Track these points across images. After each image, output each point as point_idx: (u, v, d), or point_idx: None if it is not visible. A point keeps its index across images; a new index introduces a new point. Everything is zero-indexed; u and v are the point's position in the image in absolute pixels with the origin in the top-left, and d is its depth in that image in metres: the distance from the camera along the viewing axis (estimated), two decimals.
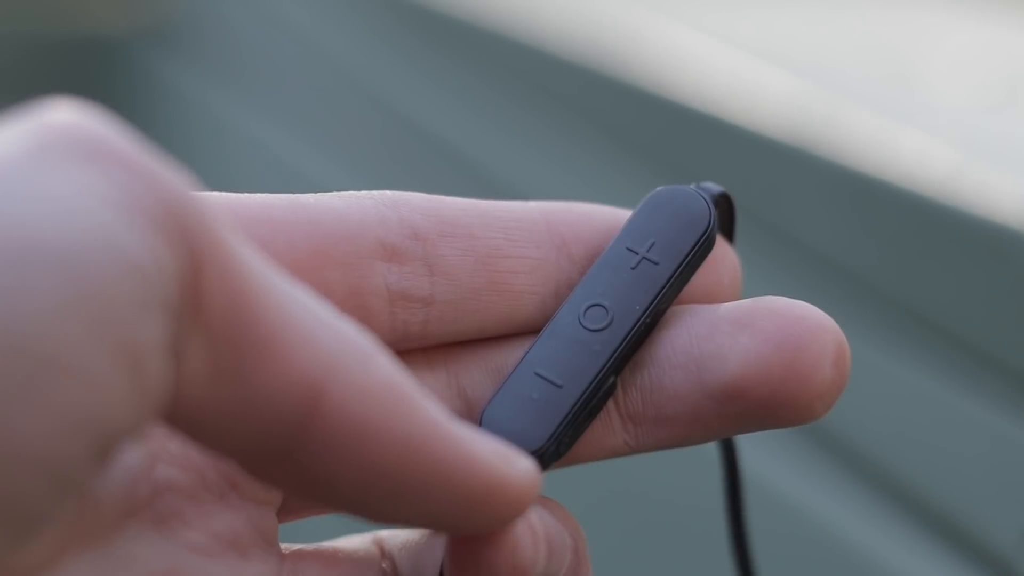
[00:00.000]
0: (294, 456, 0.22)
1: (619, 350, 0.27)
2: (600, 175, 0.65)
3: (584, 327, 0.27)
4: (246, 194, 0.27)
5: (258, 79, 0.98)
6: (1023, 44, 0.73)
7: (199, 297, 0.21)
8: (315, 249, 0.26)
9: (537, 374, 0.27)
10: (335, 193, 0.27)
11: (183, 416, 0.21)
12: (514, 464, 0.23)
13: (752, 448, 0.54)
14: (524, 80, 0.72)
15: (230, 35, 1.02)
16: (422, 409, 0.22)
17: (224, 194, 0.26)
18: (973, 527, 0.47)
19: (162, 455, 0.25)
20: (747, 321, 0.26)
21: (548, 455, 0.26)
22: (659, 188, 0.29)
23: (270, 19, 0.98)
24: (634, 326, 0.27)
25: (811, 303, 0.27)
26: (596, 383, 0.27)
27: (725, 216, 0.29)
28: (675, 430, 0.27)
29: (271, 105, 0.95)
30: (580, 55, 0.67)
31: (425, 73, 0.81)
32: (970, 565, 0.47)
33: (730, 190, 0.30)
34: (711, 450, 0.33)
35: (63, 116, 0.21)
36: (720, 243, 0.29)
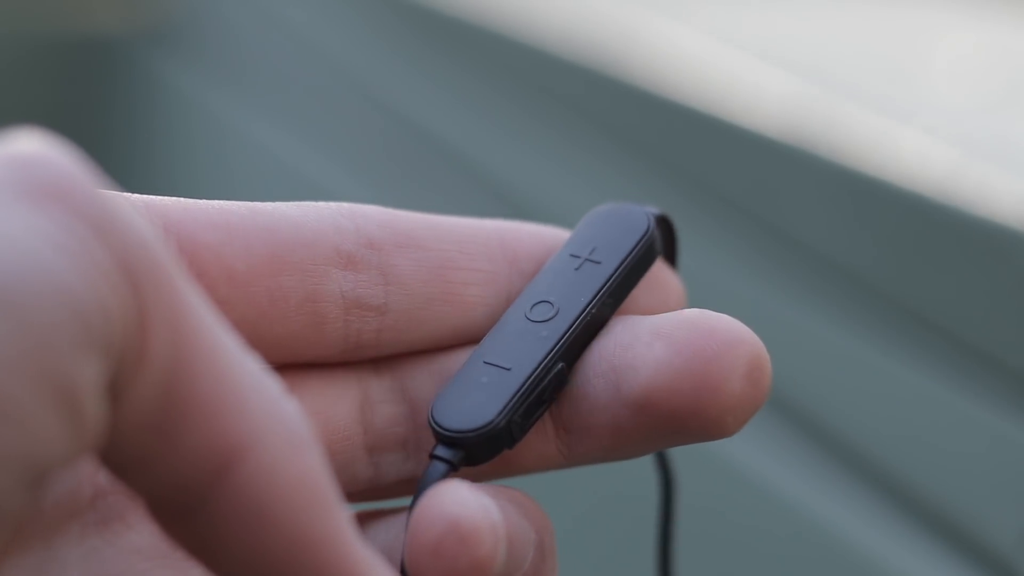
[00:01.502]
0: (196, 517, 0.22)
1: (566, 335, 0.27)
2: (600, 175, 0.65)
3: (531, 320, 0.28)
4: (205, 200, 0.27)
5: (258, 79, 0.98)
6: (1023, 44, 0.73)
7: (144, 346, 0.21)
8: (271, 255, 0.26)
9: (486, 362, 0.27)
10: (293, 203, 0.28)
11: (106, 449, 0.21)
12: None
13: (751, 447, 0.54)
14: (524, 80, 0.72)
15: (230, 35, 1.02)
16: (332, 516, 0.22)
17: (182, 200, 0.27)
18: (973, 527, 0.47)
19: (82, 461, 0.25)
20: (664, 331, 0.26)
21: (499, 432, 0.27)
22: (599, 206, 0.30)
23: (270, 19, 0.98)
24: (580, 315, 0.28)
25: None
26: (544, 365, 0.27)
27: (667, 240, 0.30)
28: (600, 441, 0.27)
29: (271, 105, 0.95)
30: (580, 55, 0.67)
31: (425, 73, 0.81)
32: (970, 565, 0.47)
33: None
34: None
35: (28, 151, 0.21)
36: (664, 268, 0.30)
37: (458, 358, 0.28)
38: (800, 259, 0.54)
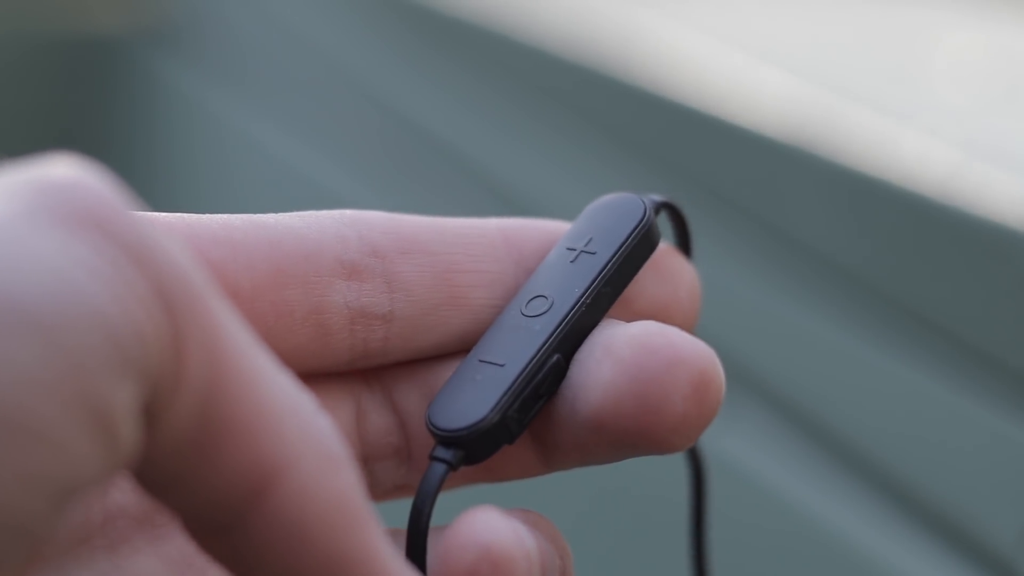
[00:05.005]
0: (233, 534, 0.22)
1: (559, 328, 0.27)
2: (600, 175, 0.65)
3: (525, 315, 0.28)
4: (207, 215, 0.27)
5: (258, 79, 0.98)
6: (1023, 44, 0.73)
7: (180, 370, 0.21)
8: (274, 269, 0.26)
9: (480, 360, 0.27)
10: (295, 213, 0.28)
11: (141, 469, 0.22)
12: None
13: (751, 446, 0.54)
14: (524, 80, 0.72)
15: (230, 35, 1.02)
16: (368, 534, 0.22)
17: (183, 216, 0.27)
18: (973, 527, 0.47)
19: (116, 480, 0.25)
20: (614, 349, 0.26)
21: (494, 427, 0.26)
22: (599, 198, 0.29)
23: (270, 19, 0.98)
24: (573, 306, 0.27)
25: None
26: (538, 359, 0.27)
27: (678, 228, 0.30)
28: (568, 454, 0.27)
29: (271, 105, 0.95)
30: (580, 55, 0.67)
31: (425, 73, 0.81)
32: (970, 565, 0.47)
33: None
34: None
35: (62, 176, 0.21)
36: (677, 256, 0.29)
37: (446, 369, 0.28)
38: (800, 259, 0.54)
